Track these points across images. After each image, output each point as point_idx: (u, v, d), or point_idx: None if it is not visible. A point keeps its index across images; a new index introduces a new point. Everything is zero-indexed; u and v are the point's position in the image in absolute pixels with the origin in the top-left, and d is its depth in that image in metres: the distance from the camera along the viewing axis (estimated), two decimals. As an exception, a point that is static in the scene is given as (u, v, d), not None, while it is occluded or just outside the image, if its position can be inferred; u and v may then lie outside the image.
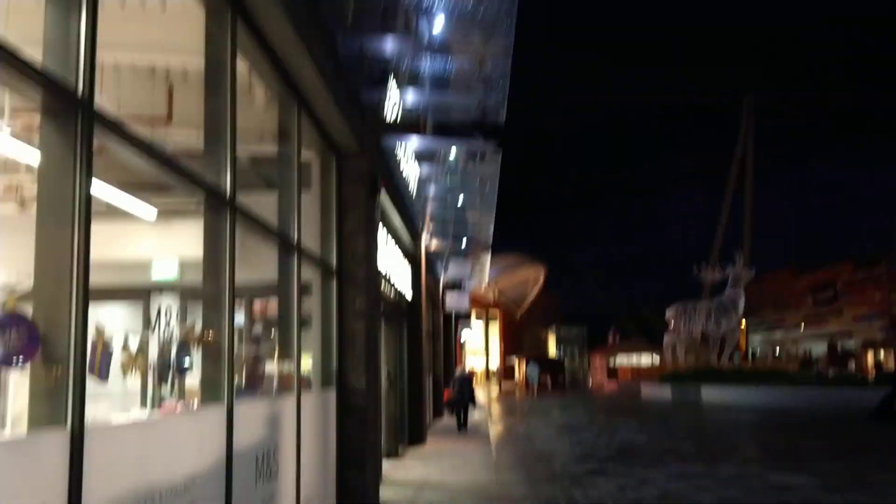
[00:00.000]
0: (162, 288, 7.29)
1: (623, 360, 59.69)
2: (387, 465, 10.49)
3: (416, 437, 13.73)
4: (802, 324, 76.76)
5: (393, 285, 11.72)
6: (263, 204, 5.22)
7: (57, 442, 2.39)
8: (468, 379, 18.25)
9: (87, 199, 2.59)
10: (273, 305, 6.50)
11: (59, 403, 2.44)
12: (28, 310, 2.43)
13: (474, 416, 20.32)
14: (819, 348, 66.71)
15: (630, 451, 13.85)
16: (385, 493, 8.51)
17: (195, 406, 4.18)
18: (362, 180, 7.82)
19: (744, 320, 51.70)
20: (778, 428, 19.22)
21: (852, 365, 53.20)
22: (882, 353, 58.19)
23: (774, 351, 77.46)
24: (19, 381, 5.08)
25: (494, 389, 50.87)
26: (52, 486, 2.35)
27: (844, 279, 69.52)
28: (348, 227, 7.64)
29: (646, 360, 58.64)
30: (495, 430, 19.06)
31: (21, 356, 2.33)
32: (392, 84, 8.74)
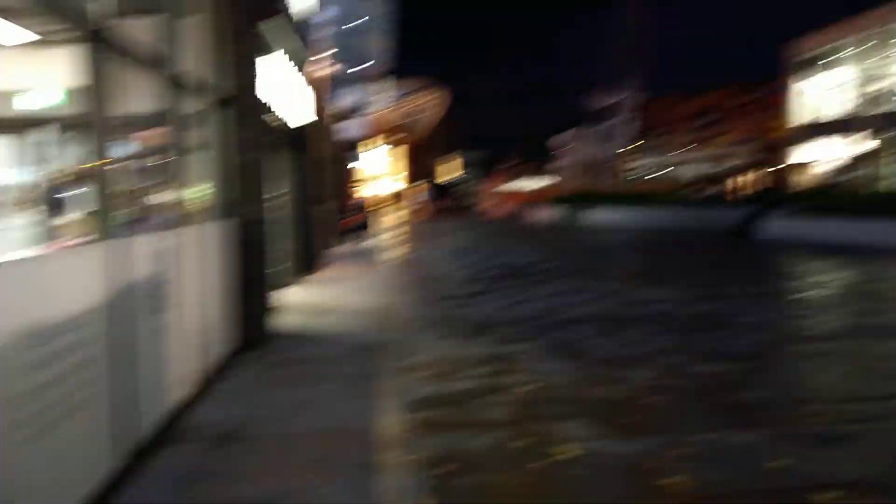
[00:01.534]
0: (37, 121, 6.95)
1: (519, 184, 61.48)
2: (281, 294, 10.84)
3: (309, 265, 14.06)
4: (686, 146, 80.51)
5: (286, 112, 11.51)
6: (142, 29, 4.97)
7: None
8: (362, 206, 20.22)
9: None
10: (160, 138, 6.37)
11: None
12: None
13: (367, 241, 20.85)
14: (701, 170, 70.62)
15: (515, 273, 14.78)
16: (278, 319, 8.88)
17: (81, 242, 4.20)
18: (253, 2, 7.49)
19: (631, 144, 53.49)
20: (653, 247, 20.79)
21: (728, 185, 56.64)
22: (756, 174, 62.16)
23: (660, 173, 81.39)
24: None
25: (391, 215, 51.65)
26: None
27: (724, 105, 72.73)
28: (238, 53, 7.37)
29: (540, 183, 60.65)
30: (388, 255, 19.71)
31: None
32: None
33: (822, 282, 12.71)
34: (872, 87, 40.48)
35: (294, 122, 12.75)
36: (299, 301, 10.69)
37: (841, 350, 7.46)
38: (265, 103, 7.92)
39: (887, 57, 40.08)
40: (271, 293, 8.30)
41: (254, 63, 7.50)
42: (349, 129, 24.44)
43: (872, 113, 40.36)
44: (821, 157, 44.06)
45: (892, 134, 38.28)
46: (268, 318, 7.90)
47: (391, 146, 66.80)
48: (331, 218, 20.97)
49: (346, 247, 20.64)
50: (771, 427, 5.07)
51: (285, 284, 11.73)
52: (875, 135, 38.76)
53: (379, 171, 65.53)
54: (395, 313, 9.83)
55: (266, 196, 7.83)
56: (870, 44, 40.45)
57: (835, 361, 7.01)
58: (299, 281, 12.87)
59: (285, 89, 11.08)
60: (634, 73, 49.51)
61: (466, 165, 69.24)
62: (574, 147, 45.80)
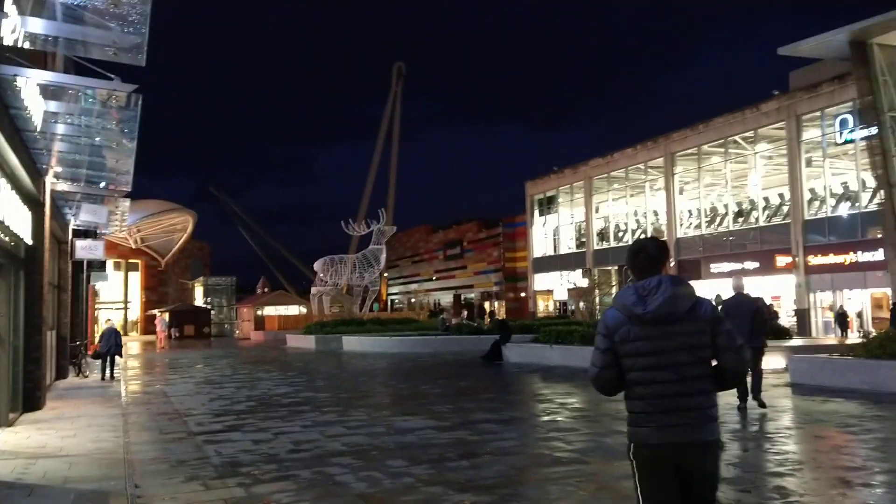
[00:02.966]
0: None
1: (271, 310, 60.10)
2: (-6, 436, 9.36)
3: (32, 401, 12.38)
4: (434, 276, 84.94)
5: (7, 231, 10.34)
6: None
7: None
8: (115, 332, 19.60)
9: None
10: None
11: None
12: None
13: (112, 371, 19.16)
14: (446, 299, 74.58)
15: (269, 404, 14.15)
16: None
17: None
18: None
19: (385, 273, 55.23)
20: (407, 374, 21.12)
21: (480, 311, 60.01)
22: (496, 303, 66.82)
23: (410, 301, 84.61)
24: None
25: (133, 342, 47.88)
26: None
27: (469, 238, 78.55)
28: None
29: (293, 310, 59.79)
30: (129, 387, 18.04)
31: None
32: (10, 5, 7.54)
33: (560, 405, 13.62)
34: (591, 227, 46.06)
35: (16, 242, 11.53)
36: (13, 445, 9.26)
37: (582, 473, 7.90)
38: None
39: (602, 201, 46.12)
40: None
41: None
42: (84, 250, 22.41)
43: (593, 249, 45.72)
44: (555, 287, 48.61)
45: (607, 269, 43.47)
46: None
47: (130, 270, 62.88)
48: (64, 346, 19.23)
49: (84, 378, 18.72)
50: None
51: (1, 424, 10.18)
52: (594, 270, 43.76)
53: (118, 297, 61.04)
54: (135, 454, 8.84)
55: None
56: (590, 189, 46.32)
57: (577, 484, 7.40)
58: (15, 421, 11.23)
59: (5, 206, 10.05)
60: (386, 204, 51.87)
61: (216, 291, 66.59)
62: (333, 273, 46.20)
